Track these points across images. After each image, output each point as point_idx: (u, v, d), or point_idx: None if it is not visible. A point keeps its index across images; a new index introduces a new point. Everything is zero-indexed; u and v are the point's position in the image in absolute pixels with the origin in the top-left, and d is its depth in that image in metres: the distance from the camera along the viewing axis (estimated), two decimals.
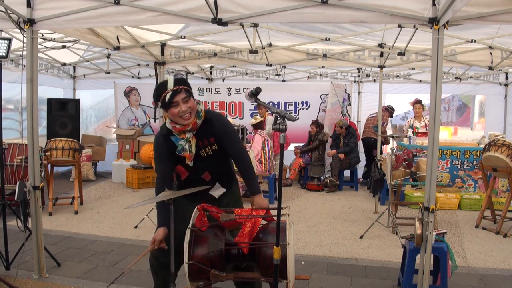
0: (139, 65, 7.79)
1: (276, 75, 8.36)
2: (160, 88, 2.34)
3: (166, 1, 3.13)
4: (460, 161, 6.19)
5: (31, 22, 3.21)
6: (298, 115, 8.34)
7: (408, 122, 7.10)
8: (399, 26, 4.50)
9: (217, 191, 2.57)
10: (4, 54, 3.24)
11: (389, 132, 7.29)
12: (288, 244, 2.09)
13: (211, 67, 8.51)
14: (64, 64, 7.60)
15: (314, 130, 7.66)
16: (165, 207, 2.27)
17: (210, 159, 2.50)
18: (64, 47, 5.67)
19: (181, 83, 2.34)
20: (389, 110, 7.78)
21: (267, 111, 7.27)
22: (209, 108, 2.41)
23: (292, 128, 6.42)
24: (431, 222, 2.89)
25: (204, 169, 2.52)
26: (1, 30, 4.52)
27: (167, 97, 2.28)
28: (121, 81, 8.75)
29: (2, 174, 3.48)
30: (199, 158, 2.47)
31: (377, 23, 4.51)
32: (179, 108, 2.30)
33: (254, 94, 2.24)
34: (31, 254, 3.52)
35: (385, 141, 7.43)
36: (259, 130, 6.51)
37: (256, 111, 8.29)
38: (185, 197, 2.38)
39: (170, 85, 2.30)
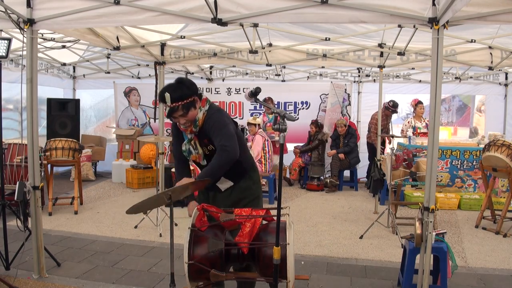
0: (139, 65, 7.78)
1: (276, 75, 8.36)
2: (161, 96, 2.45)
3: (166, 1, 3.13)
4: (460, 161, 6.19)
5: (31, 22, 3.20)
6: (298, 115, 8.34)
7: (408, 122, 7.10)
8: (399, 26, 4.50)
9: (223, 184, 2.66)
10: (4, 54, 3.23)
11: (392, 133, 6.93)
12: (288, 244, 2.09)
13: (211, 67, 8.51)
14: (64, 64, 7.60)
15: (314, 130, 7.66)
16: (182, 171, 2.68)
17: (211, 157, 2.53)
18: (64, 47, 5.67)
19: (178, 98, 2.41)
20: (390, 109, 7.17)
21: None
22: (209, 106, 2.43)
23: (292, 128, 6.39)
24: (431, 222, 2.89)
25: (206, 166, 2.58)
26: (1, 30, 4.52)
27: (166, 110, 2.46)
28: (121, 81, 8.74)
29: (2, 174, 3.48)
30: (204, 154, 2.59)
31: (377, 23, 4.51)
32: (177, 120, 2.50)
33: (253, 94, 2.24)
34: (31, 254, 3.52)
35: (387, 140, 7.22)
36: (260, 130, 6.53)
37: (256, 111, 8.30)
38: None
39: (168, 101, 2.40)
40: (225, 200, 2.65)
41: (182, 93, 2.42)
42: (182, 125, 2.51)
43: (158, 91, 5.88)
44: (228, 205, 2.54)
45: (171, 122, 2.64)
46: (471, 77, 7.91)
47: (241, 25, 4.61)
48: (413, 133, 6.77)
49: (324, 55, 5.60)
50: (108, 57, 6.99)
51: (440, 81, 2.82)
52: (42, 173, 5.18)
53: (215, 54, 5.72)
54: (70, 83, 8.79)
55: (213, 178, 2.44)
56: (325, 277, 3.59)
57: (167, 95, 2.39)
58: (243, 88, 8.38)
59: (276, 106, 8.24)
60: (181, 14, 3.17)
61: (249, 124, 6.57)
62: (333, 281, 3.49)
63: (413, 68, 7.38)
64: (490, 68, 5.47)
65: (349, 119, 8.13)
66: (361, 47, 5.54)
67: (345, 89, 8.20)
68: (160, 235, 4.61)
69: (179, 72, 8.14)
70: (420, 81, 8.11)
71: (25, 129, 3.33)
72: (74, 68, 8.63)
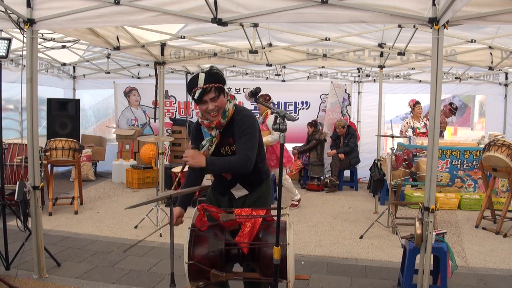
0: (139, 65, 7.79)
1: (276, 75, 8.36)
2: (192, 82, 2.32)
3: (166, 1, 3.13)
4: (460, 161, 6.19)
5: (31, 22, 3.21)
6: (298, 115, 8.33)
7: (407, 122, 7.09)
8: (399, 26, 4.50)
9: (237, 192, 2.59)
10: (4, 54, 3.23)
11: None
12: (288, 244, 2.09)
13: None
14: (64, 64, 7.60)
15: (311, 130, 7.66)
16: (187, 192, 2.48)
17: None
18: (64, 47, 5.67)
19: (212, 80, 2.28)
20: (453, 111, 7.45)
21: (268, 109, 6.90)
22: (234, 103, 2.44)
23: (291, 128, 6.37)
24: (431, 222, 2.90)
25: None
26: (1, 30, 4.52)
27: (196, 94, 2.28)
28: (121, 81, 8.75)
29: (2, 174, 3.48)
30: (221, 156, 2.46)
31: (377, 23, 4.51)
32: (206, 106, 2.32)
33: (253, 94, 2.24)
34: (31, 254, 3.52)
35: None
36: None
37: (256, 111, 8.29)
38: (215, 190, 2.65)
39: (201, 82, 2.27)
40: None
41: (215, 76, 2.31)
42: (210, 111, 2.33)
43: (157, 90, 5.91)
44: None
45: (192, 126, 2.50)
46: (471, 77, 7.91)
47: (241, 25, 4.61)
48: (412, 133, 6.76)
49: (324, 55, 5.60)
50: (108, 57, 6.99)
51: (440, 81, 2.82)
52: (42, 173, 5.18)
53: (215, 54, 5.73)
54: (70, 83, 8.78)
55: (217, 169, 2.36)
56: (325, 277, 3.59)
57: (202, 74, 2.27)
58: (243, 88, 8.38)
59: (276, 106, 8.23)
60: (181, 14, 3.17)
61: None
62: (333, 281, 3.49)
63: (413, 68, 7.39)
64: (490, 68, 5.48)
65: (349, 119, 8.14)
66: (361, 47, 5.54)
67: (345, 89, 8.21)
68: (160, 235, 4.61)
69: (179, 72, 8.14)
70: (420, 81, 8.11)
71: (25, 129, 3.33)
72: (74, 68, 8.63)
